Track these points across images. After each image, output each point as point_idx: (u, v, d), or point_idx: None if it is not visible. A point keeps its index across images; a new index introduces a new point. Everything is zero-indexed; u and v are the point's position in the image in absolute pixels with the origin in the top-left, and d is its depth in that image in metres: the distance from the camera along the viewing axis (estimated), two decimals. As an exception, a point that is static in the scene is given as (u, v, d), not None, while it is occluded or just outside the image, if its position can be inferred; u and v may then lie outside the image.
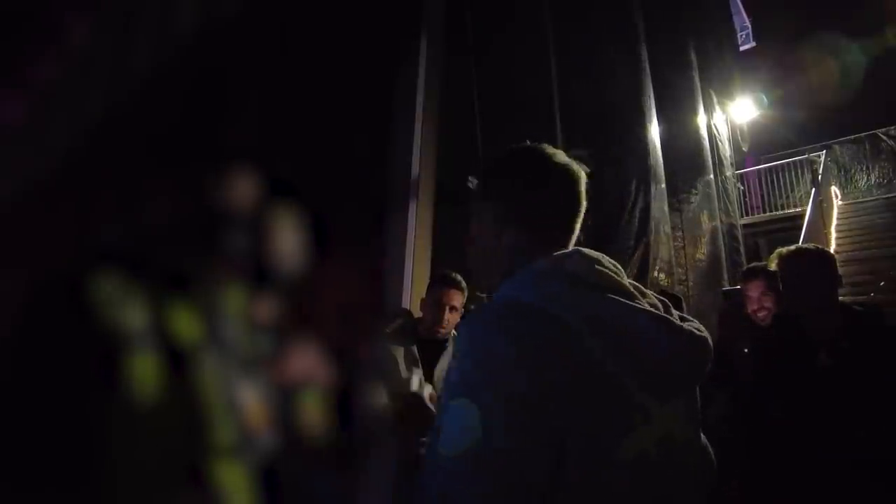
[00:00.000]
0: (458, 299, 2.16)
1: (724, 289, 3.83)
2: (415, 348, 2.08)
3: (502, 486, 0.60)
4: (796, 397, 1.72)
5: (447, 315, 2.11)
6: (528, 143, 0.93)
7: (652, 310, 0.78)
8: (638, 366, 0.71)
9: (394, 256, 3.28)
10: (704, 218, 7.90)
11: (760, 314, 2.41)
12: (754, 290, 2.42)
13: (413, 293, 3.01)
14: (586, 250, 0.86)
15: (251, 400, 0.62)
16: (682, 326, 0.79)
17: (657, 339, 0.73)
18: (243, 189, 0.68)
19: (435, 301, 2.14)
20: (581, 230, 0.92)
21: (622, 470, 0.69)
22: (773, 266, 1.94)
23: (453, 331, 2.17)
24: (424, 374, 1.96)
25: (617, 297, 0.76)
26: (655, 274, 5.96)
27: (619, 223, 5.65)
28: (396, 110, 3.47)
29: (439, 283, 2.18)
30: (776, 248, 1.97)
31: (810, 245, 1.97)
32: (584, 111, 5.06)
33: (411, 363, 2.04)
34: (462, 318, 2.16)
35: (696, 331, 0.81)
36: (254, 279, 0.68)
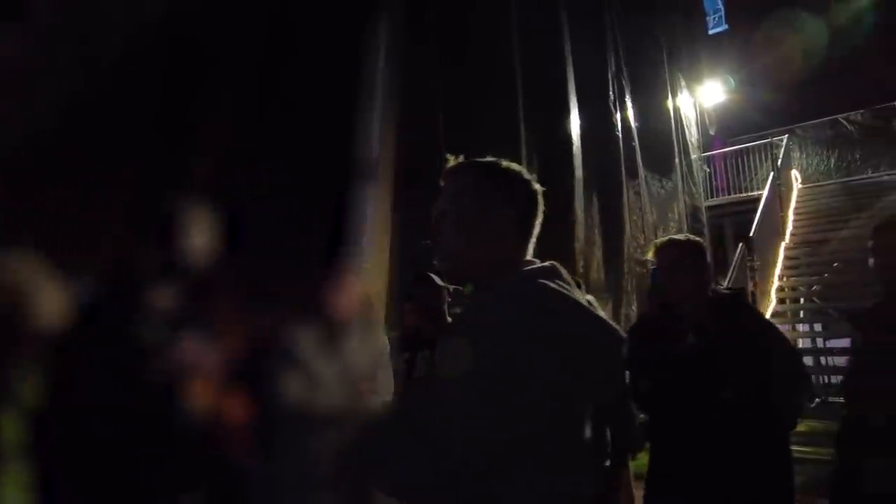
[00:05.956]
0: None
1: (654, 267, 3.97)
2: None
3: None
4: (664, 374, 1.90)
5: None
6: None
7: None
8: None
9: (351, 240, 3.31)
10: (673, 204, 8.08)
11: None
12: None
13: (370, 276, 3.05)
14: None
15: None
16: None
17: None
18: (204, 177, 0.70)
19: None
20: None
21: None
22: (649, 256, 2.07)
23: None
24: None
25: None
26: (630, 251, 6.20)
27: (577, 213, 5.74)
28: (356, 92, 3.46)
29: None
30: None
31: (681, 236, 2.09)
32: (547, 95, 5.09)
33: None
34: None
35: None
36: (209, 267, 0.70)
